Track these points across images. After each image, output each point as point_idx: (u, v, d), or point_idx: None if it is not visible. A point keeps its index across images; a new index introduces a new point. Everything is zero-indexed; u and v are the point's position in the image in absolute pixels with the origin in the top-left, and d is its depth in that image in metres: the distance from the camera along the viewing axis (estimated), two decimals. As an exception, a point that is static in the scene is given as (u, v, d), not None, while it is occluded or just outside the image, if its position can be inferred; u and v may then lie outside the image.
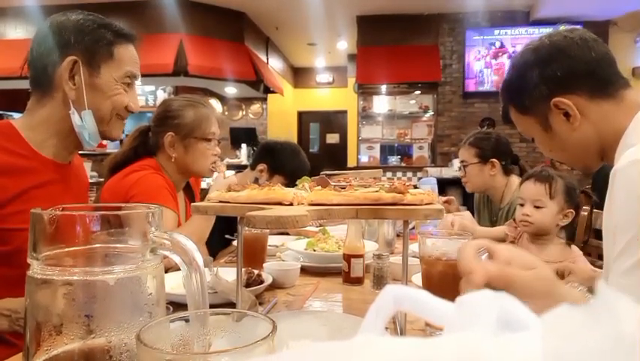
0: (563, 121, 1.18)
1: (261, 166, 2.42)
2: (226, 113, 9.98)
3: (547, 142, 1.26)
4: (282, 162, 2.41)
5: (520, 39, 7.98)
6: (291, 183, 1.19)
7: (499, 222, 2.55)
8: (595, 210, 2.22)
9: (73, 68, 1.24)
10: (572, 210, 1.86)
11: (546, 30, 1.30)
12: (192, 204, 1.05)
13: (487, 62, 8.21)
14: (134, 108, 1.35)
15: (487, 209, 2.77)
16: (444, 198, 2.60)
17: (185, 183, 1.94)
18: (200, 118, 1.82)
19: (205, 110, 1.87)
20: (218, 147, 1.90)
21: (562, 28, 1.26)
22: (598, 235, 2.68)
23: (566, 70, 1.16)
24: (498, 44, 8.16)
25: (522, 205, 1.91)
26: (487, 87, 8.17)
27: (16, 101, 7.99)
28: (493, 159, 2.54)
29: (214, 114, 1.91)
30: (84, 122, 1.27)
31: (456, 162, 7.78)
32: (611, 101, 1.15)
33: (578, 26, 1.24)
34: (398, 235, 2.17)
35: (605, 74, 1.16)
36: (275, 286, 1.52)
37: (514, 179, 2.58)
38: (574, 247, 1.91)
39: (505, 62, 8.06)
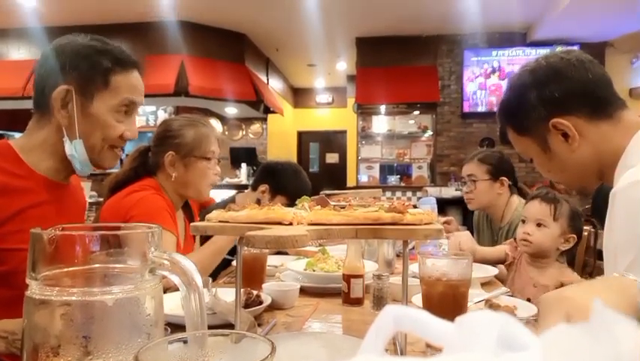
0: (562, 142, 1.19)
1: (263, 187, 2.41)
2: (226, 133, 10.03)
3: (545, 163, 1.27)
4: (283, 183, 2.41)
5: (517, 60, 8.07)
6: (293, 203, 1.19)
7: (499, 241, 2.54)
8: (598, 230, 2.22)
9: (66, 96, 1.24)
10: (573, 235, 1.85)
11: (543, 51, 1.32)
12: (191, 223, 1.05)
13: (485, 82, 8.28)
14: (129, 136, 1.33)
15: (489, 228, 2.76)
16: (443, 219, 2.58)
17: (183, 202, 1.94)
18: (200, 137, 1.83)
19: (205, 129, 1.88)
20: (218, 165, 1.91)
21: (558, 49, 1.27)
22: (600, 255, 2.67)
23: (564, 91, 1.17)
24: (496, 65, 8.25)
25: (523, 222, 1.91)
26: (485, 107, 8.23)
27: (17, 121, 8.02)
28: (503, 178, 2.54)
29: (214, 133, 1.92)
30: (75, 151, 1.26)
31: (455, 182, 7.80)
32: (609, 122, 1.16)
33: (575, 47, 1.25)
34: (398, 255, 2.16)
35: (602, 95, 1.17)
36: (274, 306, 1.51)
37: (515, 199, 2.58)
38: (571, 272, 1.91)
39: (503, 82, 8.12)
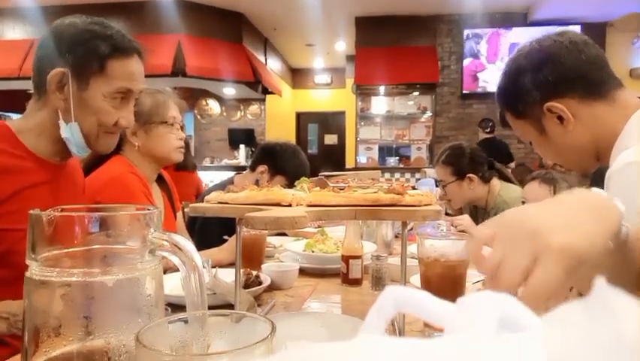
0: (557, 124, 1.20)
1: (262, 167, 2.41)
2: (224, 114, 9.98)
3: (543, 145, 1.28)
4: (283, 163, 2.40)
5: (518, 40, 8.00)
6: (292, 184, 1.18)
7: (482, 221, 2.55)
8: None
9: (62, 79, 1.23)
10: None
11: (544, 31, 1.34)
12: (190, 205, 1.05)
13: (485, 63, 8.22)
14: (123, 124, 1.32)
15: (472, 215, 2.76)
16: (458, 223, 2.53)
17: (156, 173, 1.93)
18: (156, 103, 1.83)
19: (161, 96, 1.87)
20: (182, 131, 1.89)
21: (553, 32, 1.27)
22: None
23: (557, 75, 1.18)
24: (496, 46, 8.17)
25: (524, 203, 1.93)
26: (484, 88, 8.18)
27: (13, 101, 7.98)
28: (470, 175, 2.52)
29: (172, 99, 1.90)
30: (71, 134, 1.26)
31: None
32: (603, 103, 1.16)
33: (570, 28, 1.25)
34: (397, 236, 2.17)
35: (596, 76, 1.17)
36: (273, 287, 1.52)
37: (495, 182, 2.57)
38: None
39: (503, 63, 8.07)
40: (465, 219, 2.38)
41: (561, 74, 1.17)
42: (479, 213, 2.69)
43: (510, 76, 1.28)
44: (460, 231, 2.28)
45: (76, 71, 1.23)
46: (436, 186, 2.66)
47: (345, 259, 1.60)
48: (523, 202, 1.95)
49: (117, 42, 1.27)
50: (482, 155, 2.62)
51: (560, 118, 1.19)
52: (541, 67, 1.19)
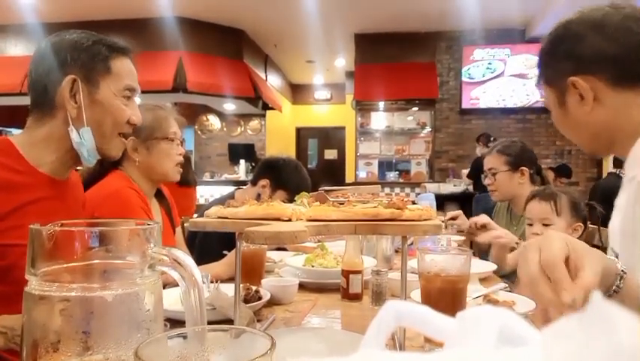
0: (577, 101, 1.13)
1: (264, 182, 2.41)
2: (225, 129, 10.02)
3: (559, 118, 1.22)
4: (284, 178, 2.40)
5: (516, 57, 8.08)
6: (293, 199, 1.19)
7: (518, 230, 2.52)
8: (596, 226, 2.20)
9: (73, 86, 1.25)
10: (580, 223, 1.85)
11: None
12: (190, 220, 1.05)
13: (483, 78, 8.27)
14: (136, 120, 1.36)
15: (508, 216, 2.72)
16: (450, 214, 2.53)
17: (155, 189, 1.93)
18: (158, 119, 1.84)
19: (162, 111, 1.88)
20: (181, 146, 1.90)
21: (613, 2, 1.15)
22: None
23: (592, 50, 1.10)
24: (494, 61, 8.23)
25: (530, 225, 1.90)
26: (483, 104, 8.23)
27: (15, 117, 8.02)
28: (523, 167, 2.51)
29: (172, 115, 1.91)
30: (83, 140, 1.27)
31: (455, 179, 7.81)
32: (635, 94, 1.08)
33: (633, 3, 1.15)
34: (397, 251, 2.16)
35: (634, 63, 1.08)
36: (273, 302, 1.51)
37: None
38: None
39: (502, 78, 8.14)
40: (483, 216, 2.35)
41: (596, 51, 1.09)
42: (513, 217, 2.65)
43: (550, 40, 1.21)
44: (482, 226, 2.24)
45: (86, 76, 1.27)
46: (485, 177, 2.61)
47: (346, 273, 1.59)
48: (530, 224, 1.91)
49: (112, 43, 1.33)
50: (534, 155, 2.61)
51: (582, 96, 1.11)
52: (578, 39, 1.11)
